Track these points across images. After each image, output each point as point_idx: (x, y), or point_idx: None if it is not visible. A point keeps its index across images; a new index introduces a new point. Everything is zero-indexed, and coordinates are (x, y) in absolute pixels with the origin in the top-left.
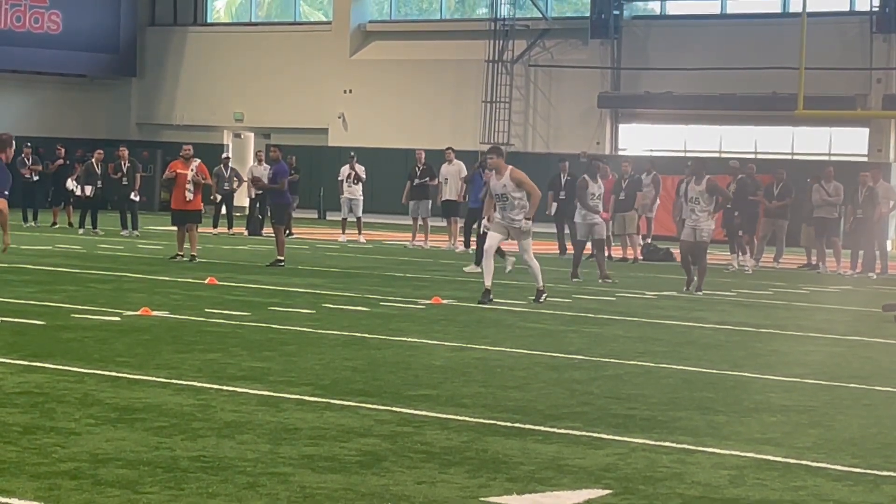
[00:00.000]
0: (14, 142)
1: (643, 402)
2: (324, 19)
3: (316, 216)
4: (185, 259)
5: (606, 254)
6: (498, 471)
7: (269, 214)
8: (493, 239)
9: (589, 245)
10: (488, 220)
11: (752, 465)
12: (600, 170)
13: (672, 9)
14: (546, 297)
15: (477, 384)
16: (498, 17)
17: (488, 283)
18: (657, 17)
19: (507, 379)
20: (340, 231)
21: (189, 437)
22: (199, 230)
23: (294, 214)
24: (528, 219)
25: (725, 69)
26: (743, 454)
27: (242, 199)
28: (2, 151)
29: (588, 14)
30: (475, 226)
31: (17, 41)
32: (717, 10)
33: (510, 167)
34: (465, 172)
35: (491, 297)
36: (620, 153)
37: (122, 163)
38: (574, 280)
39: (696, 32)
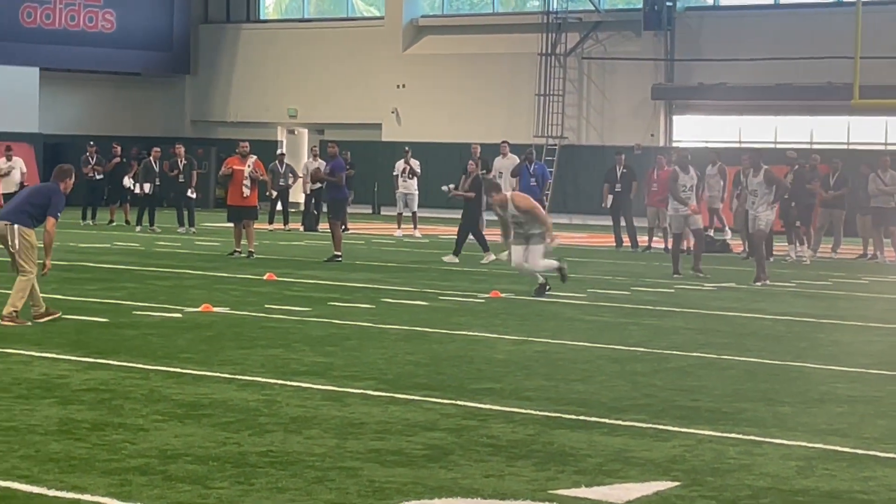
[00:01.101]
0: (74, 173)
1: (707, 394)
2: (376, 14)
3: (370, 211)
4: (242, 255)
5: (662, 246)
6: (565, 463)
7: (325, 210)
8: (516, 254)
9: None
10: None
11: (821, 456)
12: (666, 159)
13: None
14: (549, 289)
15: (540, 377)
16: (550, 9)
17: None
18: (710, 8)
19: (570, 372)
20: (396, 226)
21: (256, 432)
22: (255, 226)
23: (349, 210)
24: (551, 240)
25: (780, 59)
26: (810, 445)
27: (298, 195)
28: (62, 181)
29: (641, 6)
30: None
31: (71, 40)
32: (771, 0)
33: (510, 194)
34: None
35: (548, 288)
36: (674, 144)
37: (179, 160)
38: (675, 276)
39: (749, 22)
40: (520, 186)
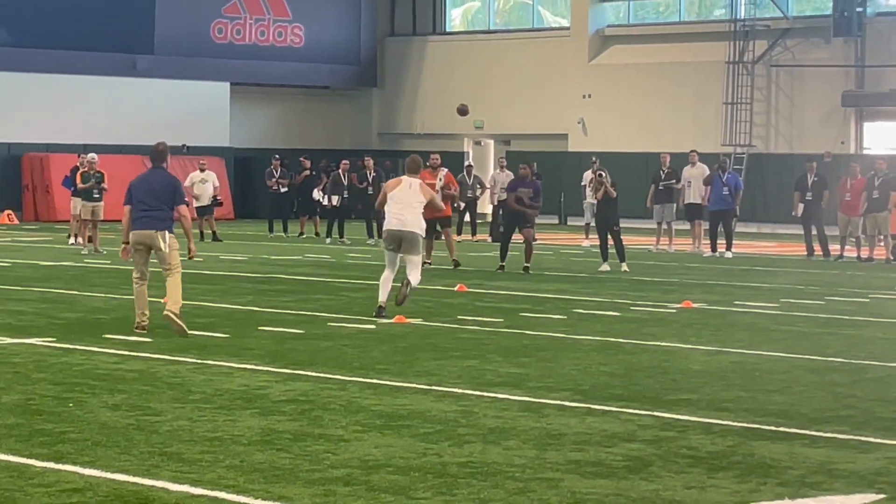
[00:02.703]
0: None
1: None
2: (562, 24)
3: (557, 221)
4: (436, 265)
5: (854, 255)
6: (767, 475)
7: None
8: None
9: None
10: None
11: None
12: (859, 166)
13: None
14: (383, 314)
15: (737, 388)
16: (737, 17)
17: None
18: None
19: (767, 382)
20: (584, 236)
21: (455, 443)
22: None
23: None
24: None
25: None
26: None
27: (485, 206)
28: (165, 161)
29: (830, 12)
30: (720, 228)
31: (261, 55)
32: None
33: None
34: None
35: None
36: (865, 152)
37: (368, 172)
38: None
39: None
40: (711, 195)
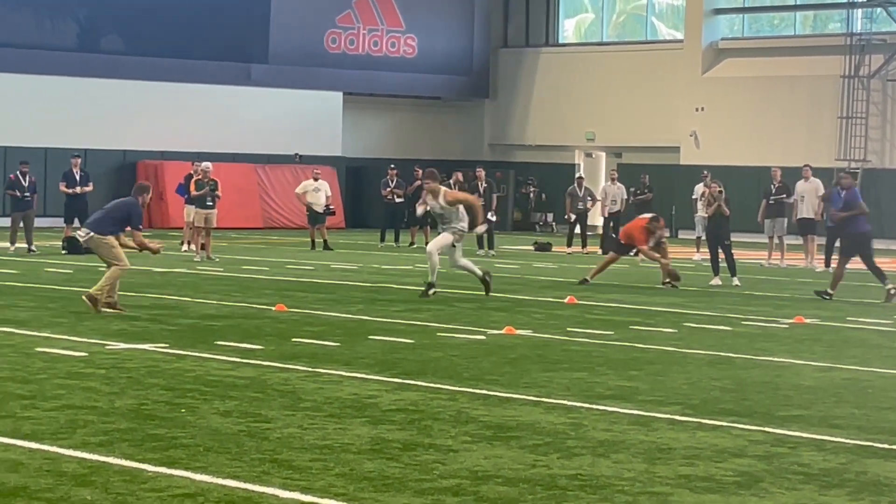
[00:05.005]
0: (151, 189)
1: None
2: (676, 37)
3: (668, 234)
4: (546, 276)
5: None
6: (880, 493)
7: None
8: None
9: None
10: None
11: None
12: None
13: None
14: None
15: (849, 405)
16: (853, 31)
17: (432, 277)
18: None
19: (881, 400)
20: (695, 249)
21: (564, 455)
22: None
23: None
24: (482, 223)
25: None
26: None
27: (596, 218)
28: (140, 196)
29: None
30: (836, 244)
31: (374, 65)
32: None
33: (444, 190)
34: (821, 190)
35: (432, 291)
36: None
37: (479, 183)
38: None
39: None
40: (829, 211)
